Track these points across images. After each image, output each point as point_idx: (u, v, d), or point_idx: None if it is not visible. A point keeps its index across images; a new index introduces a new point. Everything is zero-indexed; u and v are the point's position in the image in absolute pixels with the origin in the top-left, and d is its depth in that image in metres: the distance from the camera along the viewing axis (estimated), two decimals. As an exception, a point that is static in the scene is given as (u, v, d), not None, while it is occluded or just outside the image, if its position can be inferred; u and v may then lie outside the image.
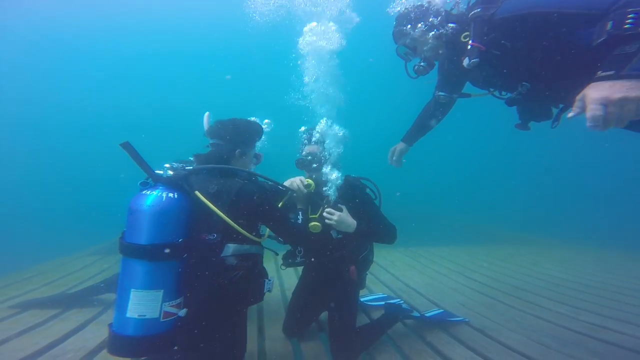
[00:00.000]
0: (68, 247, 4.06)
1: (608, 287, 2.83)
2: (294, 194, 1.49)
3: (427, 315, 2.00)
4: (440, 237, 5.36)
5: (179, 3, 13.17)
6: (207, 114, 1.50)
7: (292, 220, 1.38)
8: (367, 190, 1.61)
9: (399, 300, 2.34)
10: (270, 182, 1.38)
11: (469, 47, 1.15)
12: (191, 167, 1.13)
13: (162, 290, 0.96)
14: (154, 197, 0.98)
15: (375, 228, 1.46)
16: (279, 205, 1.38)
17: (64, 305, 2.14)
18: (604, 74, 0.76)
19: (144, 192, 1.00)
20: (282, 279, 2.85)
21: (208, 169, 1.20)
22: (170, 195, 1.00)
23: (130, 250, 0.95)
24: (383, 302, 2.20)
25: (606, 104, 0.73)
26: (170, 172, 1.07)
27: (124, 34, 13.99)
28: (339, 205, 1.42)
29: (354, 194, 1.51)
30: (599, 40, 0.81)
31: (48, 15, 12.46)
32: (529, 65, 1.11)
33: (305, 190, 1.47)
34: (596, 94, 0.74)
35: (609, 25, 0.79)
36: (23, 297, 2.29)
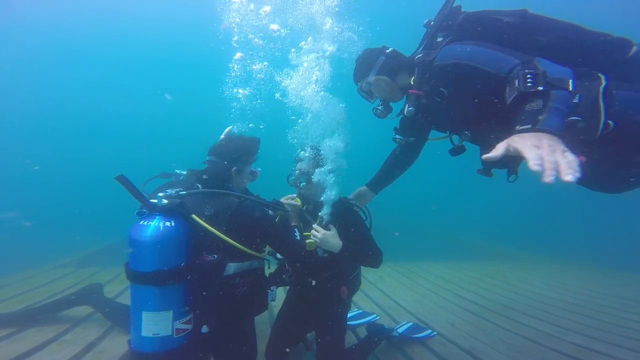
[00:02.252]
0: (38, 259, 3.74)
1: (592, 306, 2.87)
2: (288, 212, 1.49)
3: (400, 331, 2.01)
4: (429, 251, 5.38)
5: (179, 10, 13.30)
6: (229, 128, 1.49)
7: (290, 236, 1.38)
8: (359, 212, 1.60)
9: (374, 316, 2.32)
10: (263, 201, 1.38)
11: (410, 93, 1.20)
12: (184, 192, 1.13)
13: (172, 311, 1.03)
14: (152, 227, 1.02)
15: (360, 252, 1.44)
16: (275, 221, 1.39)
17: (21, 324, 1.92)
18: (522, 127, 0.80)
19: (141, 222, 1.03)
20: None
21: (204, 192, 1.21)
22: (167, 223, 1.03)
23: (136, 278, 1.01)
24: (362, 321, 2.19)
25: (539, 146, 0.72)
26: (165, 201, 1.07)
27: (124, 39, 13.98)
28: (329, 225, 1.40)
29: (345, 214, 1.50)
30: (511, 98, 0.90)
31: (48, 20, 12.38)
32: (464, 113, 1.15)
33: (297, 206, 1.47)
34: (527, 140, 0.75)
35: (516, 83, 0.89)
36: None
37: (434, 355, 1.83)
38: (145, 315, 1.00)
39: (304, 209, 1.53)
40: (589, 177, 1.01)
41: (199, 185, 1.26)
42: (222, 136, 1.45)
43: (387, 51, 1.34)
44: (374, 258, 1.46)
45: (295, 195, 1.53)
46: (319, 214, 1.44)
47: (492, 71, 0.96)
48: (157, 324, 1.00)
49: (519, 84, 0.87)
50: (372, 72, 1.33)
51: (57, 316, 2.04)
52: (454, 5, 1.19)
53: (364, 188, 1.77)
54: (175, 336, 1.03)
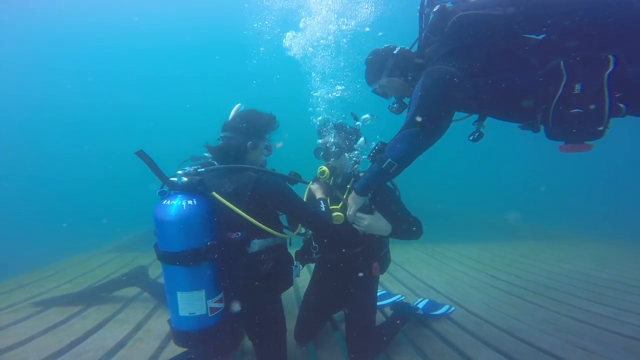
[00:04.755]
0: (82, 245, 4.19)
1: (654, 287, 2.57)
2: (312, 185, 1.47)
3: (420, 307, 2.01)
4: (456, 233, 5.14)
5: (178, 3, 12.89)
6: (237, 105, 1.48)
7: (315, 209, 1.36)
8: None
9: (400, 296, 2.30)
10: (282, 174, 1.35)
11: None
12: (203, 170, 1.13)
13: (204, 290, 1.04)
14: (175, 206, 1.01)
15: (407, 227, 1.38)
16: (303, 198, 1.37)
17: (85, 302, 2.19)
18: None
19: (164, 202, 1.03)
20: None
21: (222, 168, 1.19)
22: (190, 202, 1.02)
23: (166, 258, 1.02)
24: (387, 301, 2.19)
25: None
26: (185, 179, 1.06)
27: (119, 33, 13.67)
28: (371, 209, 1.35)
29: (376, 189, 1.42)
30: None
31: (42, 12, 12.12)
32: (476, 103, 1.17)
33: (323, 179, 1.44)
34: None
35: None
36: (47, 294, 2.37)
37: (469, 335, 1.76)
38: (180, 296, 1.03)
39: (331, 182, 1.48)
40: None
41: (215, 163, 1.24)
42: (232, 113, 1.40)
43: (395, 52, 1.34)
44: (417, 229, 1.40)
45: (323, 166, 1.48)
46: (351, 184, 1.37)
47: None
48: (191, 304, 1.03)
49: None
50: (384, 75, 1.35)
51: (111, 296, 2.29)
52: (435, 9, 1.12)
53: None
54: (210, 315, 1.05)
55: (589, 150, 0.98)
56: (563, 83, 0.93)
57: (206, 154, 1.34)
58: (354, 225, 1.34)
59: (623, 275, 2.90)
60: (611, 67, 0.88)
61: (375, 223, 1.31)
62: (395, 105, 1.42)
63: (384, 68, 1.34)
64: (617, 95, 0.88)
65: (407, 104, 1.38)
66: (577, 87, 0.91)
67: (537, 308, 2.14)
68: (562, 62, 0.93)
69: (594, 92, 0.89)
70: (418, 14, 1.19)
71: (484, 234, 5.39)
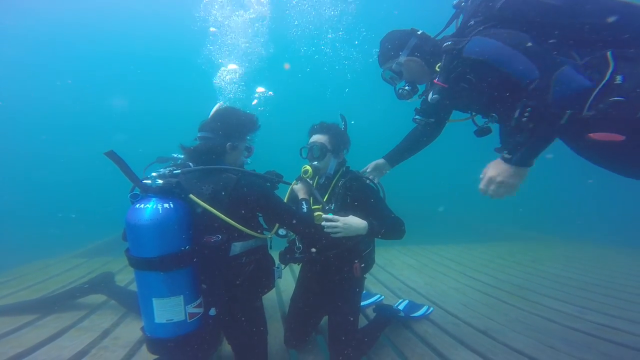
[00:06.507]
0: (51, 250, 3.86)
1: (612, 286, 2.77)
2: (295, 184, 1.45)
3: (401, 308, 2.04)
4: (437, 234, 5.30)
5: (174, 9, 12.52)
6: (219, 103, 1.43)
7: (297, 209, 1.33)
8: (368, 182, 1.52)
9: (379, 295, 2.33)
10: (262, 175, 1.32)
11: (433, 82, 1.21)
12: (179, 171, 1.08)
13: (182, 295, 0.99)
14: (150, 210, 0.95)
15: (385, 225, 1.36)
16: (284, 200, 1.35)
17: (41, 311, 1.99)
18: (505, 155, 1.07)
19: (138, 205, 0.96)
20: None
21: (199, 169, 1.14)
22: (166, 205, 0.97)
23: (140, 264, 0.96)
24: (368, 302, 2.21)
25: (492, 182, 1.08)
26: (160, 181, 1.00)
27: (111, 37, 13.25)
28: (341, 213, 1.32)
29: (357, 188, 1.43)
30: (514, 119, 1.03)
31: (38, 13, 11.80)
32: (491, 101, 1.16)
33: (305, 179, 1.42)
34: (490, 172, 1.09)
35: (517, 112, 1.01)
36: (-2, 303, 2.13)
37: (448, 336, 1.80)
38: (156, 302, 0.97)
39: (315, 182, 1.46)
40: (622, 160, 1.07)
41: (191, 164, 1.19)
42: (213, 112, 1.35)
43: (418, 33, 1.31)
44: (399, 228, 1.38)
45: (307, 165, 1.46)
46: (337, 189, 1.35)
47: (515, 79, 1.02)
48: (169, 310, 0.97)
49: (518, 114, 1.01)
50: (404, 53, 1.31)
51: (74, 303, 2.10)
52: None
53: (381, 160, 1.74)
54: (189, 320, 1.00)
55: (620, 140, 0.95)
56: (610, 71, 0.94)
57: (175, 155, 1.28)
58: (332, 235, 1.28)
59: (585, 274, 3.12)
60: None
61: (350, 223, 1.26)
62: (407, 88, 1.33)
63: (404, 46, 1.29)
64: None
65: (418, 89, 1.35)
66: (619, 78, 0.94)
67: (511, 308, 2.23)
68: (609, 52, 0.96)
69: (636, 84, 0.91)
70: (454, 8, 1.20)
71: (462, 234, 5.61)
